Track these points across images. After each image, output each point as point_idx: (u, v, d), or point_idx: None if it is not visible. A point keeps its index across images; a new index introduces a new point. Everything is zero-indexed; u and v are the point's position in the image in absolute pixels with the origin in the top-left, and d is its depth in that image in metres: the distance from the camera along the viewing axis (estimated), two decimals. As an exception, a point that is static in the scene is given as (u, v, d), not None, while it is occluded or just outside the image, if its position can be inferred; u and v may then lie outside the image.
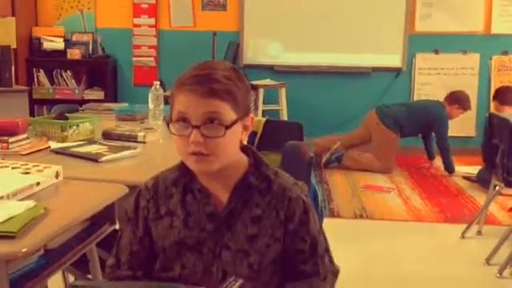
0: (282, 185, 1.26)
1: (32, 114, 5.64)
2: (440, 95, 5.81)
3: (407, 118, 5.34)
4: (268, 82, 5.76)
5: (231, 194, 1.24)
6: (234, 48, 5.65)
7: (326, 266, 1.29)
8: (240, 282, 1.15)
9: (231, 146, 1.21)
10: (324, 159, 5.36)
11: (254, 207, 1.24)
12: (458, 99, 5.40)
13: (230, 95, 1.18)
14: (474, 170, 5.01)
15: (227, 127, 1.17)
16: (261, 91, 5.53)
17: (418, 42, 6.07)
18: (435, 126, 5.32)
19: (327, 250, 1.31)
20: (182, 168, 1.27)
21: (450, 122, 5.39)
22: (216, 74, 1.18)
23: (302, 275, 1.27)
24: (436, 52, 6.12)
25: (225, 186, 1.24)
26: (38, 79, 5.92)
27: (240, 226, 1.23)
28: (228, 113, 1.18)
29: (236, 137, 1.22)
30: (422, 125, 5.38)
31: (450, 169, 5.26)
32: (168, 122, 1.21)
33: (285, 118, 5.64)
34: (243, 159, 1.27)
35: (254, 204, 1.24)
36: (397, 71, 6.15)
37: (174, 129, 1.20)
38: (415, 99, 6.11)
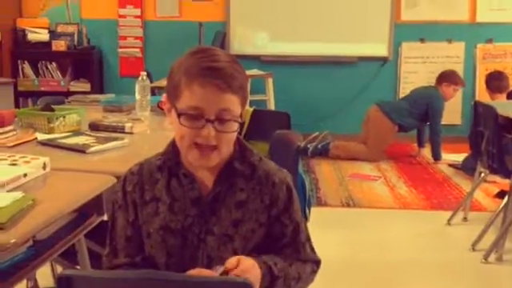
0: (266, 170, 1.28)
1: (17, 106, 5.59)
2: (425, 83, 5.86)
3: (409, 108, 5.35)
4: (255, 72, 5.76)
5: (216, 178, 1.25)
6: (221, 38, 5.64)
7: (307, 254, 1.31)
8: (222, 268, 1.15)
9: (233, 140, 1.24)
10: (311, 148, 5.38)
11: (238, 192, 1.25)
12: (443, 76, 5.47)
13: (241, 90, 1.19)
14: (459, 157, 5.06)
15: (240, 123, 1.20)
16: (248, 81, 5.51)
17: (403, 31, 6.10)
18: (429, 109, 5.32)
19: (308, 238, 1.33)
20: (168, 153, 1.28)
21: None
22: (230, 68, 1.18)
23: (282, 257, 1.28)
24: (422, 41, 6.15)
25: (210, 171, 1.25)
26: (22, 71, 5.87)
27: (224, 211, 1.24)
28: (237, 107, 1.19)
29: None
30: (422, 111, 5.36)
31: (437, 156, 5.30)
32: (179, 113, 1.18)
33: (272, 108, 5.64)
34: None
35: (239, 189, 1.25)
36: (383, 60, 6.18)
37: (187, 121, 1.18)
38: (401, 88, 6.15)
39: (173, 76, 1.20)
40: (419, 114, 5.36)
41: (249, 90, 1.29)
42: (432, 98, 5.36)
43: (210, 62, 1.17)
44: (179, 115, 1.18)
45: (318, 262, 1.34)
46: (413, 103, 5.37)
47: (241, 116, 1.21)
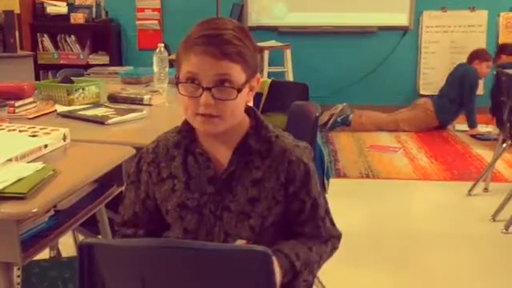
0: (282, 147, 1.25)
1: (37, 79, 5.63)
2: (447, 53, 5.77)
3: (448, 95, 5.37)
4: (273, 43, 5.70)
5: (231, 156, 1.24)
6: (238, 10, 5.58)
7: (327, 229, 1.29)
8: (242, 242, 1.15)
9: (239, 108, 1.21)
10: (330, 122, 5.35)
11: (254, 170, 1.23)
12: (474, 55, 5.43)
13: (241, 57, 1.16)
14: (482, 128, 5.02)
15: (239, 90, 1.17)
16: (266, 53, 5.49)
17: (425, 0, 5.97)
18: (465, 79, 5.32)
19: (328, 212, 1.31)
20: (184, 130, 1.27)
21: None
22: (227, 35, 1.15)
23: (303, 237, 1.27)
24: (443, 9, 6.03)
25: (226, 147, 1.24)
26: (42, 44, 5.90)
27: (240, 189, 1.23)
28: (239, 75, 1.17)
29: (244, 99, 1.21)
30: (458, 92, 5.36)
31: (472, 123, 5.27)
32: (177, 82, 1.20)
33: (290, 79, 5.60)
34: (245, 120, 1.26)
35: (255, 166, 1.23)
36: (403, 30, 6.07)
37: (184, 89, 1.18)
38: (422, 58, 6.07)
39: (178, 49, 1.21)
40: (457, 96, 5.34)
41: (257, 57, 1.25)
42: (467, 71, 5.34)
43: (207, 30, 1.17)
44: (178, 84, 1.19)
45: (338, 237, 1.33)
46: (450, 88, 5.40)
47: (245, 83, 1.19)
